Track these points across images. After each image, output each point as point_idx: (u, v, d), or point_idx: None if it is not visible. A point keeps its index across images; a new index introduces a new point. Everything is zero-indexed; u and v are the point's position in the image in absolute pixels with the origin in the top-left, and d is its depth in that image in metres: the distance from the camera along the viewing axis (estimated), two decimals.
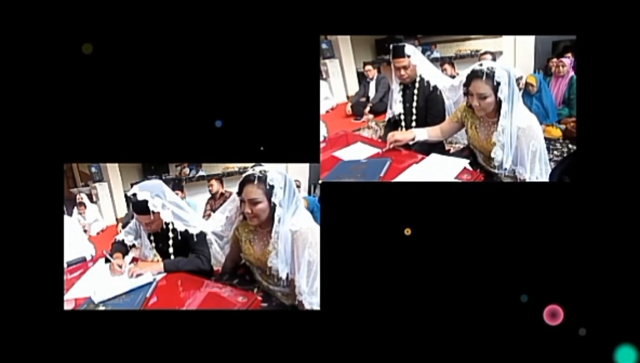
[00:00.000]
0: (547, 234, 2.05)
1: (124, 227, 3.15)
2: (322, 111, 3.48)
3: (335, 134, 2.82)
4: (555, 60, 3.12)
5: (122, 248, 2.36)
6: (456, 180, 2.17)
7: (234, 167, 3.68)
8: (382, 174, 2.23)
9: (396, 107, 2.69)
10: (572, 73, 3.07)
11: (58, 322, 2.05)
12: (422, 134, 2.45)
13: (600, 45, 2.07)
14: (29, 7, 2.07)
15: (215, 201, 3.45)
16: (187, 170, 3.80)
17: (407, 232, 2.09)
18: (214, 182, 3.56)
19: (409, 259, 2.08)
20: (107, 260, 2.25)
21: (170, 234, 2.21)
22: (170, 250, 2.23)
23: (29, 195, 2.07)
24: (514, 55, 3.26)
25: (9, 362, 2.04)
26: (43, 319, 2.06)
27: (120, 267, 2.18)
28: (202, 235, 2.23)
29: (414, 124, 2.66)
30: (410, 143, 2.47)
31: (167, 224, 2.21)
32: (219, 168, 3.78)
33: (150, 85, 2.10)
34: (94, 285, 2.08)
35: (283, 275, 2.02)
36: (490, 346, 2.05)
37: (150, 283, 2.06)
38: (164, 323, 2.06)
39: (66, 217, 2.19)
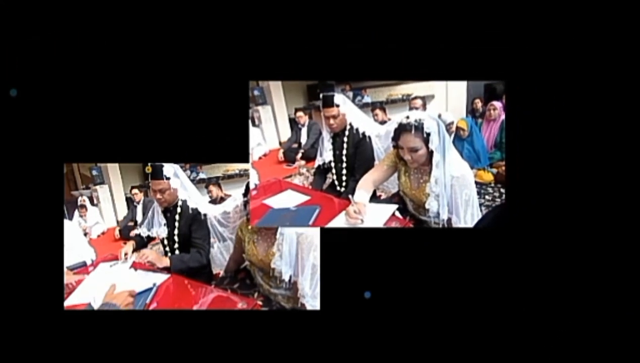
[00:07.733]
0: (473, 280, 2.02)
1: (121, 230, 3.72)
2: (255, 157, 3.50)
3: (267, 181, 2.81)
4: (479, 101, 3.15)
5: (139, 239, 2.54)
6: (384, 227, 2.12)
7: (234, 169, 3.78)
8: (311, 222, 2.18)
9: (326, 154, 2.69)
10: (503, 116, 3.08)
11: (58, 323, 2.04)
12: (364, 196, 2.23)
13: (528, 90, 2.08)
14: (29, 8, 2.05)
15: (217, 204, 3.44)
16: (187, 172, 3.80)
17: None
18: (212, 187, 3.63)
19: (408, 260, 2.04)
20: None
21: (177, 217, 2.40)
22: (175, 231, 2.42)
23: (29, 196, 2.07)
24: (445, 99, 3.30)
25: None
26: (43, 320, 2.05)
27: (126, 255, 2.33)
28: (203, 220, 2.41)
29: (344, 171, 2.65)
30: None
31: (176, 204, 2.41)
32: (220, 170, 3.87)
33: (152, 85, 2.08)
34: (94, 292, 2.02)
35: (286, 278, 2.03)
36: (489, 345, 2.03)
37: (150, 289, 2.05)
38: (164, 323, 2.04)
39: (67, 221, 2.24)
